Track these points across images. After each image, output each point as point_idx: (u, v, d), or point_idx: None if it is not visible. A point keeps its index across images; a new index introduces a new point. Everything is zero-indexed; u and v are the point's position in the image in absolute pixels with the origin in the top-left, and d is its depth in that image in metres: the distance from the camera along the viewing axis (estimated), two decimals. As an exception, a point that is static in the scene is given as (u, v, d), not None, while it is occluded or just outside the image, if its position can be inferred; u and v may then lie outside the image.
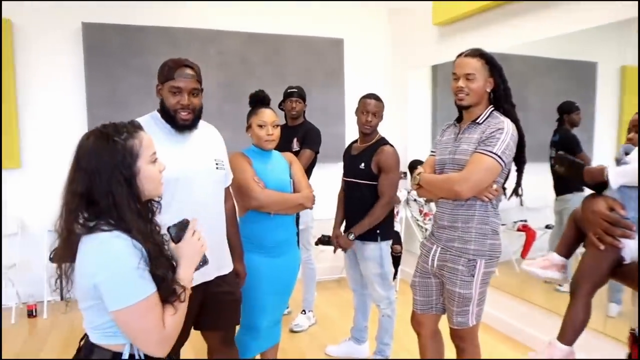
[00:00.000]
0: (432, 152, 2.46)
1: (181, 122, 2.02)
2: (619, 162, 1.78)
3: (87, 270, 1.27)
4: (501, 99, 2.20)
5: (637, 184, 1.61)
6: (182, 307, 1.35)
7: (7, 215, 4.32)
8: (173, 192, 1.93)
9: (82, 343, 1.40)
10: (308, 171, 3.62)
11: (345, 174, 3.19)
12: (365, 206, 3.02)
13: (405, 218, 4.95)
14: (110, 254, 1.26)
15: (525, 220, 4.01)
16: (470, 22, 4.15)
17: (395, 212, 3.63)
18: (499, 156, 2.08)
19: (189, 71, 2.02)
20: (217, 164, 2.16)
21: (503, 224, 3.98)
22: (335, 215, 3.29)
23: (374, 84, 5.05)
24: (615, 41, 2.82)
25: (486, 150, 2.09)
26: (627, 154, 1.80)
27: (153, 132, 1.91)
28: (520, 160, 2.25)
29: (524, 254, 3.93)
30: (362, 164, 3.02)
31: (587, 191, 1.80)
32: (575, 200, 3.18)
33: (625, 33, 2.82)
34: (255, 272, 2.43)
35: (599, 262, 1.71)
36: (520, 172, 2.29)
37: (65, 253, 1.33)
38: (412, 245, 4.94)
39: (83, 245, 1.29)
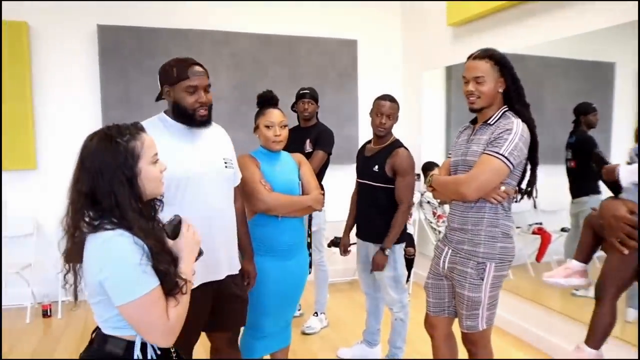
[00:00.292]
0: (448, 154, 2.44)
1: (200, 119, 2.04)
2: (631, 164, 1.76)
3: (93, 268, 1.33)
4: (513, 99, 2.15)
5: None
6: (185, 299, 1.39)
7: (23, 215, 4.37)
8: (184, 191, 1.97)
9: (93, 335, 1.44)
10: (321, 173, 3.62)
11: (359, 176, 3.16)
12: (378, 209, 3.00)
13: (418, 220, 4.92)
14: (113, 251, 1.31)
15: (541, 223, 3.94)
16: (485, 23, 4.11)
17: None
18: (505, 157, 2.03)
19: (200, 69, 2.04)
20: (225, 162, 2.17)
21: (518, 227, 3.95)
22: (347, 219, 3.29)
23: (387, 85, 5.01)
24: (634, 41, 2.76)
25: (493, 152, 2.05)
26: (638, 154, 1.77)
27: (161, 133, 1.94)
28: (532, 161, 2.19)
29: (539, 258, 3.87)
30: (376, 166, 2.98)
31: (604, 194, 1.77)
32: (591, 202, 3.11)
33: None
34: (263, 274, 2.41)
35: (623, 266, 1.69)
36: (533, 173, 2.22)
37: (74, 252, 1.38)
38: (425, 247, 4.90)
39: (88, 244, 1.34)
